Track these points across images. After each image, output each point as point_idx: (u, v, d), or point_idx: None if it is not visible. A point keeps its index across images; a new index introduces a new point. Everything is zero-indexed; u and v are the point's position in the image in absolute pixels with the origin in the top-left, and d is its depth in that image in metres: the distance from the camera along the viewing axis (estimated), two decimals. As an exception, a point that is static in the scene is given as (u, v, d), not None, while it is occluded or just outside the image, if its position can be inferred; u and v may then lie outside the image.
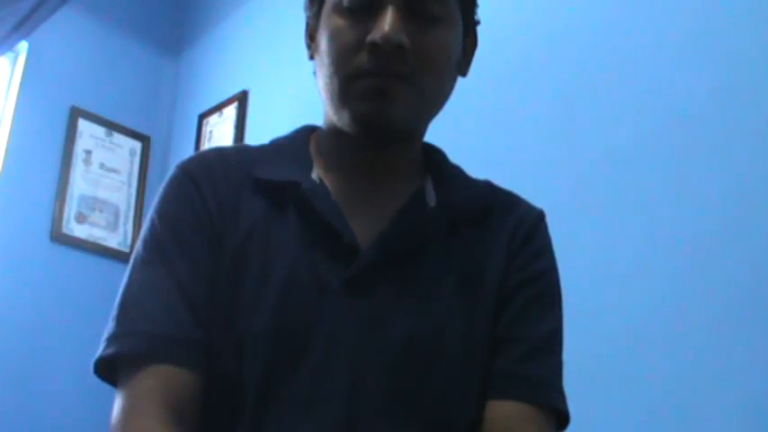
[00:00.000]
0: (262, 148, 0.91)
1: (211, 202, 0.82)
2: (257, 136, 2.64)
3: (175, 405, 0.73)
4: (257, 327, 0.76)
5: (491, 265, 0.84)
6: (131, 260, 0.82)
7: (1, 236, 2.75)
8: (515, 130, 1.96)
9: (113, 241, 3.00)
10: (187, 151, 3.04)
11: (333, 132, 0.86)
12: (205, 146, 3.05)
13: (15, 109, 2.89)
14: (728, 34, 1.62)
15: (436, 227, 0.84)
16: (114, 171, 3.10)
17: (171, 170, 0.86)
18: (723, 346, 1.44)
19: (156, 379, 0.74)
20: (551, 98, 1.91)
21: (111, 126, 3.13)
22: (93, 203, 3.00)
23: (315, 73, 0.86)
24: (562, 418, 0.82)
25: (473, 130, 2.00)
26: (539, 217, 0.90)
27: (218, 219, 0.81)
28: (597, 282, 1.65)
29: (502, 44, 2.00)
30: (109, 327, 0.78)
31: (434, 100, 0.84)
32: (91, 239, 2.94)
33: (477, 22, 0.90)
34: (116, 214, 3.05)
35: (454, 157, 0.94)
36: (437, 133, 0.95)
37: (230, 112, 2.98)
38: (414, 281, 0.81)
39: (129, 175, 3.15)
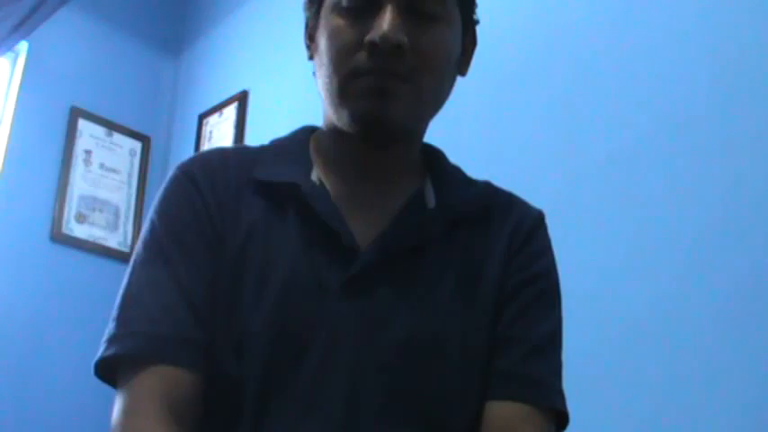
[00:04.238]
0: (262, 148, 0.91)
1: (211, 203, 0.82)
2: (257, 136, 2.64)
3: (175, 405, 0.73)
4: (257, 327, 0.76)
5: (491, 266, 0.84)
6: (131, 260, 0.82)
7: (1, 236, 2.74)
8: (515, 130, 1.96)
9: (113, 241, 3.00)
10: (187, 151, 3.04)
11: (333, 133, 0.86)
12: (205, 146, 3.05)
13: (15, 109, 2.89)
14: (728, 35, 1.62)
15: (436, 227, 0.84)
16: (114, 171, 3.10)
17: (171, 170, 0.86)
18: (723, 346, 1.44)
19: (156, 379, 0.74)
20: (551, 98, 1.91)
21: (111, 126, 3.13)
22: (93, 203, 2.99)
23: (314, 73, 0.86)
24: (562, 418, 0.82)
25: (473, 130, 2.00)
26: (538, 218, 0.90)
27: (218, 219, 0.81)
28: (597, 282, 1.65)
29: (501, 44, 1.99)
30: (109, 327, 0.78)
31: (434, 99, 0.84)
32: (91, 239, 2.94)
33: (477, 22, 0.90)
34: (116, 214, 3.05)
35: (454, 157, 0.94)
36: (437, 133, 0.95)
37: (230, 112, 2.98)
38: (413, 282, 0.81)
39: (129, 175, 3.15)
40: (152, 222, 0.82)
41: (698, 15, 1.68)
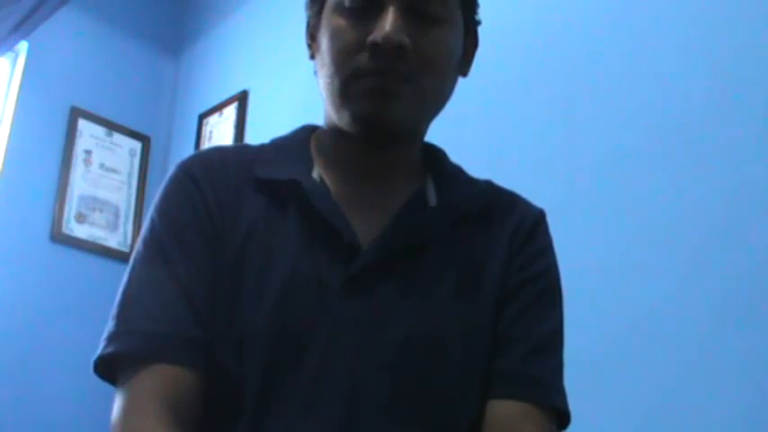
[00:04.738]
0: (262, 147, 0.91)
1: (212, 202, 0.82)
2: (257, 136, 2.64)
3: (175, 404, 0.73)
4: (257, 326, 0.76)
5: (492, 265, 0.84)
6: (131, 259, 0.82)
7: (1, 236, 2.74)
8: (516, 130, 1.96)
9: (113, 241, 3.00)
10: (187, 151, 3.04)
11: (333, 132, 0.86)
12: (205, 146, 3.05)
13: (15, 109, 2.89)
14: (728, 34, 1.62)
15: (437, 227, 0.84)
16: (114, 171, 3.10)
17: (171, 169, 0.86)
18: (723, 346, 1.44)
19: (156, 378, 0.74)
20: (552, 98, 1.91)
21: (111, 126, 3.13)
22: (93, 203, 2.99)
23: (315, 73, 0.86)
24: (563, 417, 0.82)
25: (474, 129, 2.00)
26: (540, 216, 0.90)
27: (218, 218, 0.81)
28: (598, 281, 1.65)
29: (503, 45, 2.00)
30: (109, 325, 0.78)
31: (435, 100, 0.84)
32: (91, 239, 2.94)
33: (478, 23, 0.90)
34: (116, 214, 3.05)
35: (454, 156, 0.94)
36: (437, 133, 0.95)
37: (230, 112, 2.98)
38: (414, 281, 0.80)
39: (129, 175, 3.15)
40: (152, 221, 0.82)
41: (698, 15, 1.68)
